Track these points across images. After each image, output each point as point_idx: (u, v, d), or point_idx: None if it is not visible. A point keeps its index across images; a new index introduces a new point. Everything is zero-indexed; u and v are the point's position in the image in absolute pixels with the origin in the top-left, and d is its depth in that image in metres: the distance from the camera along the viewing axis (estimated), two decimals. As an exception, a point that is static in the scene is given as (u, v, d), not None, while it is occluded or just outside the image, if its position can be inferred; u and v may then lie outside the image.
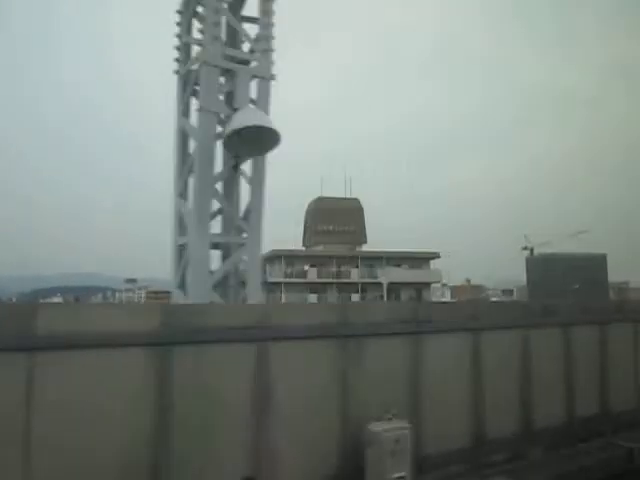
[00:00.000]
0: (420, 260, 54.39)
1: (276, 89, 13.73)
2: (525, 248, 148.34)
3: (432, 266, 56.03)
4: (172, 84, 14.43)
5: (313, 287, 49.79)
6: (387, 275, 51.89)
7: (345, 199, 57.21)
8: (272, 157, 13.72)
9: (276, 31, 13.88)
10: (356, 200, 58.02)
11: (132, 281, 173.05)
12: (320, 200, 56.81)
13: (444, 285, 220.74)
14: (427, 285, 54.07)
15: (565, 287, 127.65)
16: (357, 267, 51.48)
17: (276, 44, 13.80)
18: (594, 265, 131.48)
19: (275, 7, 14.04)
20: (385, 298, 51.02)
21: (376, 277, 51.63)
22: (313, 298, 48.70)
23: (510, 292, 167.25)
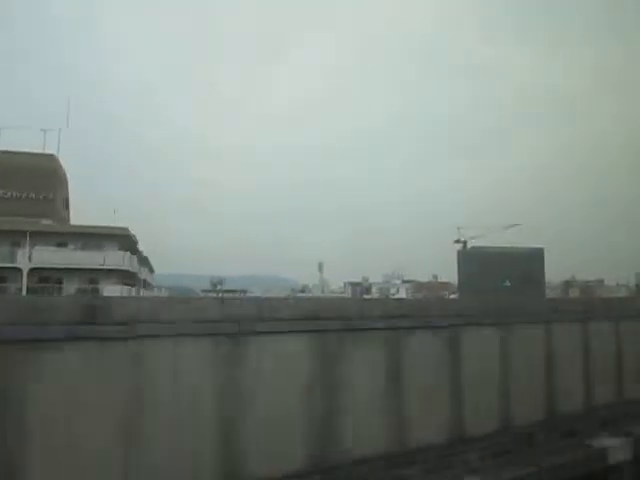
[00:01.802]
0: (100, 238, 38.70)
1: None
2: (457, 241, 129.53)
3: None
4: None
5: None
6: (34, 257, 36.62)
7: (28, 154, 41.87)
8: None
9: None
10: (49, 158, 42.69)
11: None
12: (-5, 156, 41.70)
13: (407, 282, 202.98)
14: (109, 274, 38.29)
15: (498, 283, 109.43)
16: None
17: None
18: (530, 260, 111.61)
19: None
20: (25, 290, 35.77)
21: (15, 260, 36.39)
22: None
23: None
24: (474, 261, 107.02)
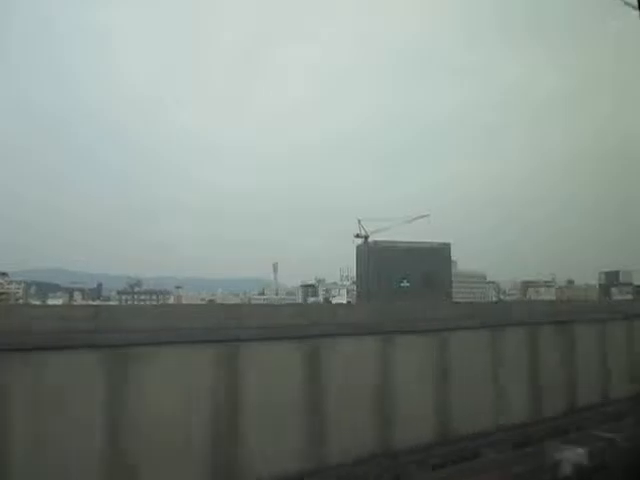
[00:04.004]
0: None
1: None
2: (358, 235, 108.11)
3: None
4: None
5: None
6: None
7: None
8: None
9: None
10: None
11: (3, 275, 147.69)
12: None
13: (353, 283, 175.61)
14: None
15: (396, 282, 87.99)
16: None
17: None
18: (436, 256, 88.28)
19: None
20: None
21: None
22: None
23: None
24: (373, 258, 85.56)
